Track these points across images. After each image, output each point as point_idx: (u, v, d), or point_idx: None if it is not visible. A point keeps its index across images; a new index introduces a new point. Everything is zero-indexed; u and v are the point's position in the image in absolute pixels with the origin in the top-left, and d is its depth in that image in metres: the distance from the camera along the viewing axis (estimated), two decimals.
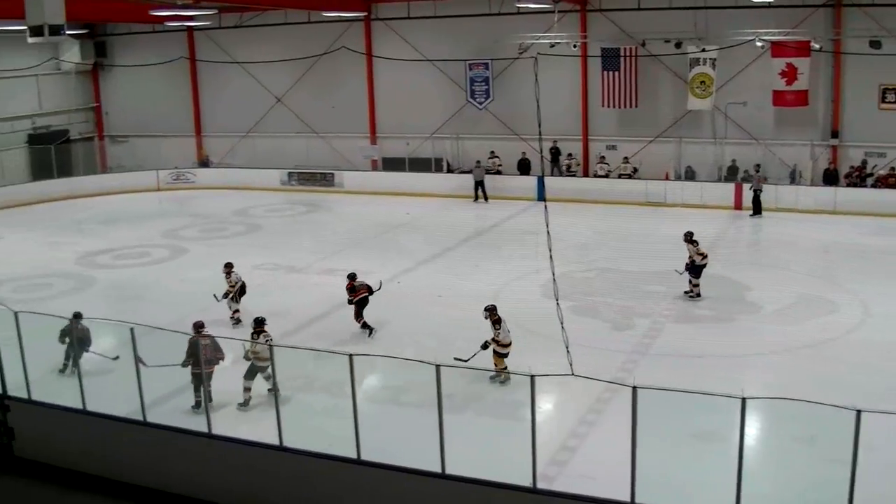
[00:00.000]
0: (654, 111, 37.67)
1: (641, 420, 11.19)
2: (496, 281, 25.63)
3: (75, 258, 30.29)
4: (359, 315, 21.91)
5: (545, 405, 16.33)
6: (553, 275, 14.90)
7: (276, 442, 13.66)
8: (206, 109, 47.69)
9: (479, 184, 37.96)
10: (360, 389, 13.49)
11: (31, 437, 16.43)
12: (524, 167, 38.74)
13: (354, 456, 13.12)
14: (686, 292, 23.87)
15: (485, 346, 18.07)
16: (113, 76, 49.43)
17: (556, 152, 38.80)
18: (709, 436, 14.74)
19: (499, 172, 39.28)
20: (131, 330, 14.80)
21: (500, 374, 18.07)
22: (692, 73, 35.84)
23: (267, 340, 16.99)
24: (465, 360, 17.19)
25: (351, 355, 12.96)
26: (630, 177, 37.44)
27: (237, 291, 23.05)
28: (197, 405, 16.85)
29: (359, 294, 21.97)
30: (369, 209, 37.62)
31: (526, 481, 12.08)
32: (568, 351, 13.33)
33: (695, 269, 23.59)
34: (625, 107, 37.29)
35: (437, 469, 12.51)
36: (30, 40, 21.28)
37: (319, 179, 42.35)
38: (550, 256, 14.80)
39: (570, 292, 22.84)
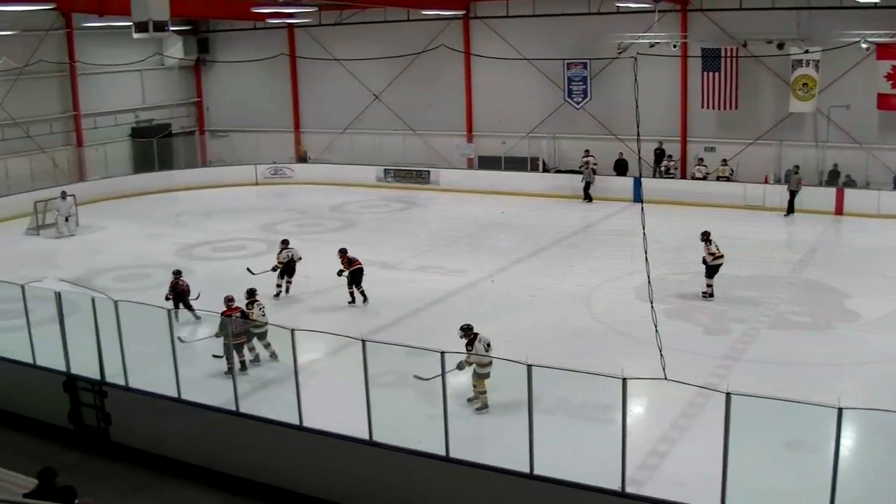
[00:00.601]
0: (754, 113, 37.09)
1: (734, 427, 11.05)
2: (589, 282, 25.53)
3: (174, 250, 30.89)
4: (351, 285, 24.03)
5: (636, 409, 16.21)
6: (648, 277, 14.79)
7: (366, 437, 13.80)
8: (305, 105, 48.25)
9: (589, 185, 37.72)
10: (451, 387, 13.53)
11: (127, 423, 16.84)
12: (621, 168, 38.44)
13: (443, 453, 13.19)
14: (703, 293, 24.10)
15: (460, 367, 16.19)
16: (214, 72, 50.32)
17: (660, 153, 38.42)
18: (802, 445, 14.51)
19: (594, 172, 39.05)
20: (224, 321, 15.06)
21: (478, 398, 16.91)
22: (794, 74, 35.23)
23: (261, 309, 19.45)
24: (427, 380, 15.62)
25: (443, 352, 13.03)
26: (728, 179, 36.93)
27: (283, 267, 25.02)
28: (228, 370, 17.78)
29: (354, 265, 24.08)
30: (464, 207, 37.69)
31: (615, 485, 12.02)
32: (661, 354, 13.22)
33: (708, 268, 24.00)
34: (724, 108, 36.81)
35: (526, 469, 12.51)
36: (135, 36, 21.83)
37: (415, 177, 42.56)
38: (646, 259, 14.69)
39: (663, 295, 22.65)
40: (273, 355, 19.43)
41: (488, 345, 16.72)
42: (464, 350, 16.52)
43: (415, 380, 15.33)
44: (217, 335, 18.70)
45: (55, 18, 41.68)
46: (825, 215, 33.93)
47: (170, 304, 21.82)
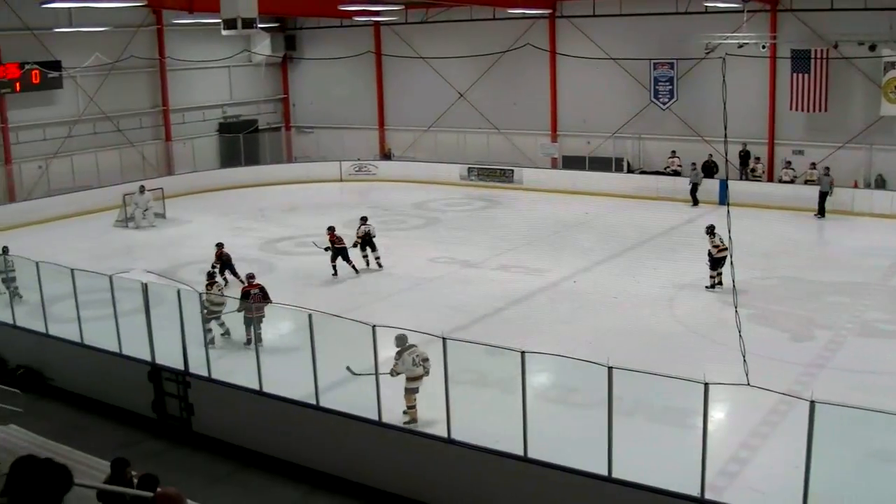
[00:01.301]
0: (844, 116, 36.34)
1: (817, 435, 10.86)
2: (672, 285, 25.28)
3: (258, 244, 31.26)
4: (334, 259, 26.63)
5: (717, 414, 16.00)
6: (733, 281, 14.64)
7: (445, 435, 13.83)
8: (390, 103, 48.48)
9: (696, 187, 37.04)
10: (531, 387, 13.50)
11: (209, 413, 17.09)
12: (709, 170, 37.95)
13: (521, 453, 13.17)
14: (707, 286, 24.75)
15: (393, 374, 16.13)
16: (301, 69, 50.81)
17: (745, 155, 37.88)
18: (888, 456, 14.20)
19: (676, 174, 38.66)
20: (309, 316, 15.19)
21: (406, 413, 16.18)
22: (887, 76, 34.45)
23: (220, 290, 20.85)
24: (356, 374, 16.21)
25: (523, 352, 13.01)
26: (816, 183, 36.25)
27: (361, 241, 27.83)
28: (248, 342, 19.91)
29: (341, 243, 26.73)
30: (547, 207, 37.54)
31: (694, 491, 11.90)
32: (744, 360, 13.04)
33: (712, 261, 24.62)
34: (814, 111, 36.13)
35: (604, 472, 12.44)
36: (224, 33, 22.12)
37: (499, 175, 42.51)
38: (731, 262, 14.54)
39: (748, 300, 22.31)
40: (226, 334, 20.98)
41: (425, 360, 16.08)
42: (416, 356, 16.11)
43: (489, 379, 15.31)
44: (238, 310, 20.38)
45: (146, 15, 42.43)
46: None
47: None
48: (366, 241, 27.89)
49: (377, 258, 28.01)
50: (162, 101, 44.59)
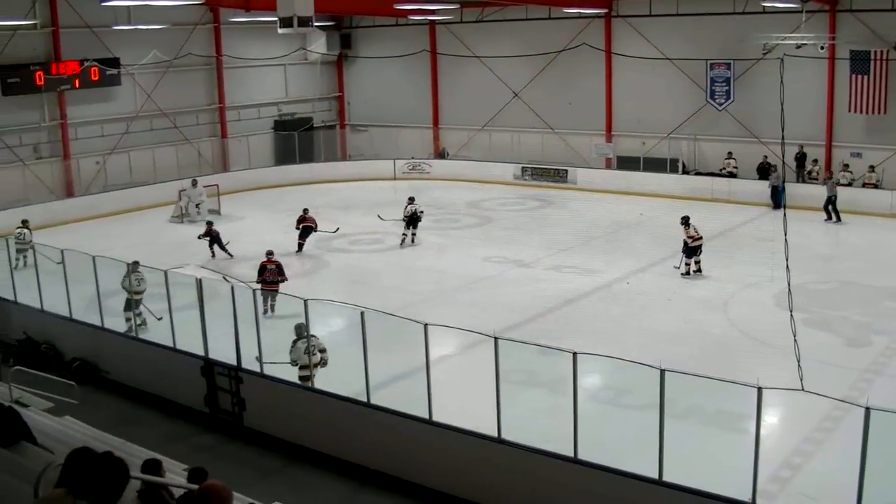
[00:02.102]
0: None
1: (872, 443, 10.70)
2: (727, 287, 25.06)
3: (311, 241, 31.38)
4: (302, 237, 29.76)
5: (770, 419, 15.82)
6: (788, 284, 14.45)
7: (494, 434, 13.81)
8: (444, 102, 48.53)
9: (776, 190, 36.21)
10: (582, 388, 13.44)
11: (261, 409, 17.21)
12: (764, 172, 37.56)
13: (572, 454, 13.11)
14: (679, 270, 26.40)
15: (292, 363, 17.09)
16: (356, 67, 51.00)
17: (802, 158, 37.42)
18: None
19: (733, 175, 38.30)
20: (361, 313, 15.23)
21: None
22: None
23: (139, 281, 21.22)
24: (263, 362, 17.06)
25: (575, 353, 12.94)
26: (875, 187, 35.75)
27: (408, 219, 30.95)
28: (265, 311, 21.95)
29: (307, 222, 29.63)
30: (601, 207, 37.38)
31: (745, 496, 11.78)
32: (799, 365, 12.89)
33: (688, 249, 26.35)
34: (873, 112, 35.62)
35: (655, 475, 12.35)
36: (280, 31, 22.28)
37: (553, 175, 42.40)
38: (787, 265, 14.36)
39: (804, 304, 22.02)
40: (143, 323, 21.56)
41: (322, 350, 16.98)
42: None
43: (540, 379, 15.27)
44: (257, 281, 22.87)
45: (203, 13, 42.84)
46: None
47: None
48: (412, 219, 31.12)
49: (413, 234, 31.31)
50: (218, 99, 45.00)
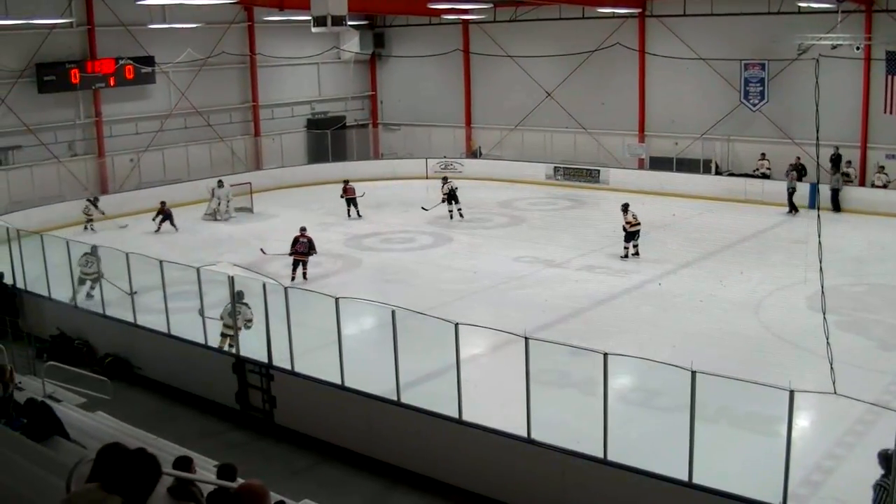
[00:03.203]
0: None
1: None
2: (759, 289, 24.90)
3: (344, 240, 31.53)
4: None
5: (802, 422, 15.75)
6: (822, 287, 14.35)
7: (524, 435, 13.81)
8: (476, 101, 48.51)
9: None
10: (612, 389, 13.41)
11: (291, 406, 17.29)
12: (798, 173, 37.27)
13: (601, 455, 13.09)
14: (621, 256, 28.48)
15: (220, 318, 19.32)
16: (389, 66, 51.11)
17: (837, 159, 37.09)
18: None
19: (766, 176, 38.06)
20: (392, 312, 15.27)
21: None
22: None
23: (90, 264, 23.12)
24: (206, 316, 18.85)
25: (605, 354, 12.92)
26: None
27: (447, 197, 34.21)
28: (292, 279, 25.70)
29: (348, 193, 34.02)
30: (633, 208, 37.12)
31: (776, 499, 11.71)
32: (831, 368, 12.80)
33: (627, 234, 28.63)
34: None
35: (685, 477, 12.31)
36: (314, 30, 22.42)
37: (585, 175, 42.28)
38: (820, 268, 14.26)
39: (837, 306, 21.86)
40: (89, 296, 23.26)
41: (248, 320, 18.81)
42: None
43: (570, 379, 15.22)
44: (289, 253, 26.55)
45: (238, 12, 43.06)
46: None
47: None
48: (451, 196, 34.27)
49: (459, 209, 34.56)
50: (252, 97, 45.21)
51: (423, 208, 34.68)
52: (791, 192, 35.02)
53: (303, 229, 26.94)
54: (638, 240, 28.71)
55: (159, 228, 33.70)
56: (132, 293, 20.73)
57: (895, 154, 36.40)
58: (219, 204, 36.38)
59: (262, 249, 28.31)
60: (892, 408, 11.08)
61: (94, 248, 23.76)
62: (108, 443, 5.24)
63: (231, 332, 18.71)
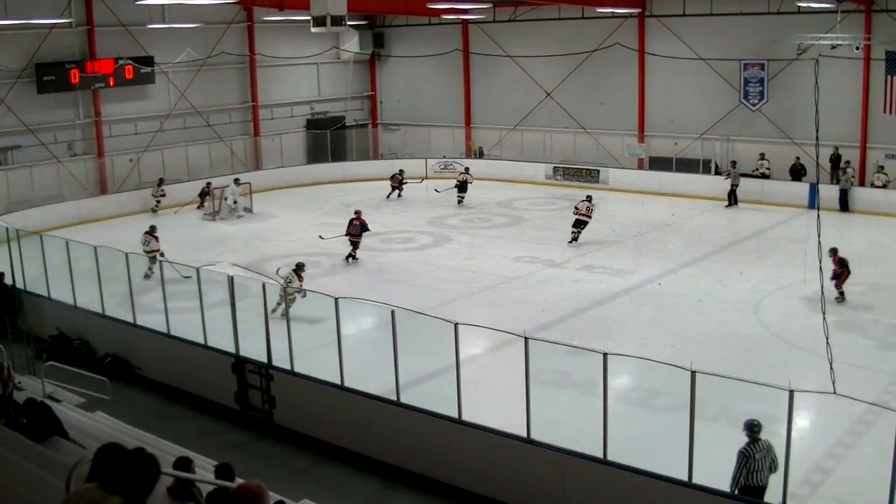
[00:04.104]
0: None
1: None
2: (759, 289, 24.91)
3: (344, 239, 31.45)
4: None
5: (802, 422, 15.73)
6: (821, 287, 14.37)
7: (524, 434, 13.81)
8: (476, 101, 48.50)
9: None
10: (612, 389, 13.41)
11: (291, 406, 17.28)
12: (797, 173, 37.32)
13: (601, 455, 13.09)
14: (568, 241, 30.40)
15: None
16: (388, 66, 51.10)
17: (836, 159, 37.09)
18: None
19: (765, 176, 38.06)
20: (392, 312, 15.26)
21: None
22: None
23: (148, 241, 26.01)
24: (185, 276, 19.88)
25: (605, 354, 12.92)
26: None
27: (459, 186, 37.56)
28: (347, 257, 28.44)
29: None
30: (633, 208, 37.22)
31: (775, 499, 11.73)
32: (831, 368, 12.81)
33: (575, 221, 30.57)
34: None
35: (684, 477, 12.30)
36: (313, 30, 22.40)
37: (585, 175, 42.27)
38: (820, 268, 14.28)
39: (836, 306, 21.92)
40: (147, 276, 24.45)
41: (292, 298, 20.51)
42: None
43: (570, 380, 15.21)
44: (345, 234, 28.71)
45: (237, 12, 43.06)
46: None
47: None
48: (462, 186, 38.11)
49: (461, 199, 38.17)
50: (251, 97, 45.19)
51: (435, 190, 38.35)
52: (734, 188, 36.62)
53: (357, 212, 29.13)
54: (583, 228, 30.58)
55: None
56: (186, 276, 21.09)
57: (895, 154, 36.39)
58: (234, 202, 36.51)
59: (320, 236, 30.14)
60: (891, 408, 11.08)
61: (153, 228, 27.49)
62: (106, 443, 5.24)
63: (281, 304, 20.04)
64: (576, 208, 30.68)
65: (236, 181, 37.20)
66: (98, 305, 21.27)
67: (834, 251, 22.91)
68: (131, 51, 38.94)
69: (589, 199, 31.17)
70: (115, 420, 15.65)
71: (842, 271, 23.08)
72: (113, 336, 20.97)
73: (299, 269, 23.06)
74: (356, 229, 28.61)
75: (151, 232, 27.13)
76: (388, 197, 39.61)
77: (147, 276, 24.37)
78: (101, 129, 39.10)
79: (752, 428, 12.18)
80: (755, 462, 12.02)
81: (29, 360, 20.11)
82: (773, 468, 12.10)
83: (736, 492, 12.10)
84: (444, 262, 28.67)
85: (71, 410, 14.68)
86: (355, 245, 28.65)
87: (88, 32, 37.94)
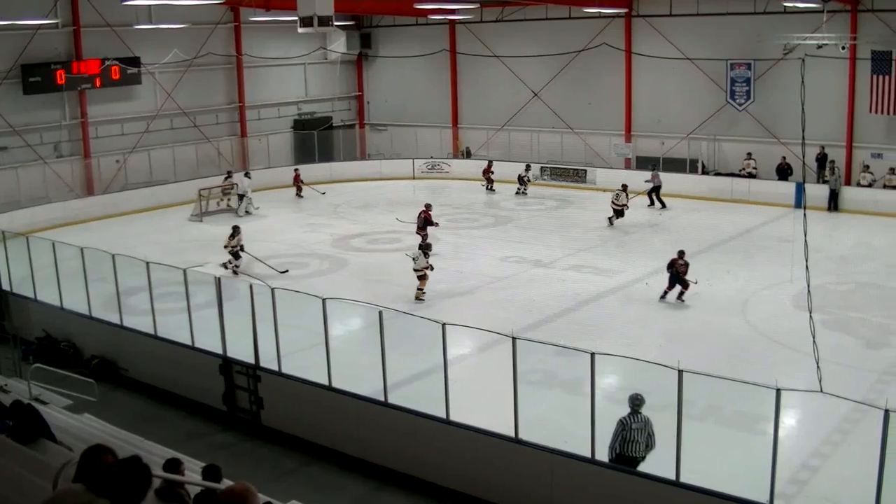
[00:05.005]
0: None
1: (891, 445, 10.65)
2: (746, 288, 24.97)
3: (331, 240, 31.49)
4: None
5: (789, 421, 15.78)
6: (808, 286, 14.40)
7: (512, 434, 13.82)
8: (464, 102, 48.53)
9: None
10: (599, 388, 13.43)
11: (279, 407, 17.26)
12: (783, 172, 37.43)
13: (589, 455, 13.11)
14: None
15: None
16: (376, 66, 51.10)
17: (822, 158, 37.19)
18: None
19: (752, 176, 38.14)
20: (380, 313, 15.26)
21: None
22: None
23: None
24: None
25: (593, 353, 12.94)
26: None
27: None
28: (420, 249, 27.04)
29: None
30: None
31: (763, 498, 11.74)
32: (818, 366, 12.85)
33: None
34: (894, 113, 35.39)
35: (672, 476, 12.33)
36: (300, 30, 22.36)
37: (572, 175, 42.32)
38: (807, 266, 14.32)
39: (823, 305, 21.95)
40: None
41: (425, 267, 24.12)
42: None
43: (558, 379, 15.21)
44: (416, 231, 29.69)
45: (224, 13, 43.02)
46: None
47: None
48: (521, 180, 40.10)
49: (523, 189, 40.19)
50: (238, 98, 45.15)
51: (397, 219, 34.50)
52: (657, 188, 37.09)
53: (427, 206, 30.29)
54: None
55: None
56: (283, 271, 23.25)
57: (880, 153, 36.52)
58: (250, 200, 36.98)
59: (397, 218, 32.72)
60: (878, 406, 11.09)
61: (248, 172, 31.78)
62: (92, 444, 5.23)
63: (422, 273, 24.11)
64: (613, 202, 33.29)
65: (247, 174, 37.52)
66: (85, 307, 21.21)
67: (681, 254, 24.11)
68: (118, 51, 38.86)
69: (624, 188, 33.72)
70: (103, 422, 15.58)
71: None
72: (100, 338, 20.91)
73: (427, 248, 25.41)
74: (420, 221, 29.65)
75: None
76: (489, 189, 41.41)
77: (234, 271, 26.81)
78: (88, 130, 39.02)
79: (635, 401, 13.04)
80: (631, 432, 12.81)
81: (15, 363, 20.03)
82: (649, 444, 12.93)
83: (612, 458, 12.96)
84: (431, 263, 28.64)
85: (58, 412, 14.62)
86: (422, 237, 28.71)
87: (74, 33, 37.84)
